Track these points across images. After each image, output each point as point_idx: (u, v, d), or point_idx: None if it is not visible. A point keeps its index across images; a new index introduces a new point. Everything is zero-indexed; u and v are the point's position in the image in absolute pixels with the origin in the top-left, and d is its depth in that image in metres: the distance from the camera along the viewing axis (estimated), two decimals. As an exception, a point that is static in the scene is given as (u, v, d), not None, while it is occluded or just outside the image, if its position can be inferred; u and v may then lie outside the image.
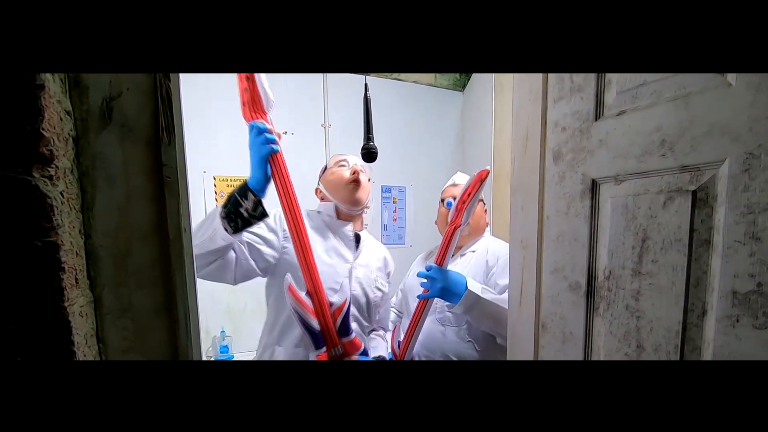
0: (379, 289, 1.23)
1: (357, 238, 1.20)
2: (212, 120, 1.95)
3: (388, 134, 2.35)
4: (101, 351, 0.44)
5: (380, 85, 2.29)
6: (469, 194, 1.08)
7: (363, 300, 1.17)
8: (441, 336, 1.23)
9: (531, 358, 0.70)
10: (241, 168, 2.00)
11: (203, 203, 1.97)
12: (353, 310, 1.13)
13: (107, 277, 0.44)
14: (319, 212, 1.20)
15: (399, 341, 1.26)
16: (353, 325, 1.09)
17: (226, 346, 1.94)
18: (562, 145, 0.63)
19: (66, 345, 0.36)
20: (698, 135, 0.46)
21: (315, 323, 0.98)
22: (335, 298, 1.02)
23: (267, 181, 0.91)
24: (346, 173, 1.13)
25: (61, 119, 0.38)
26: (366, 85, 0.96)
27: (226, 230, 0.89)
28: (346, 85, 2.19)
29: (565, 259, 0.63)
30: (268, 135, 0.89)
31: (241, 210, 0.90)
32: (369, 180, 1.20)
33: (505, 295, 1.12)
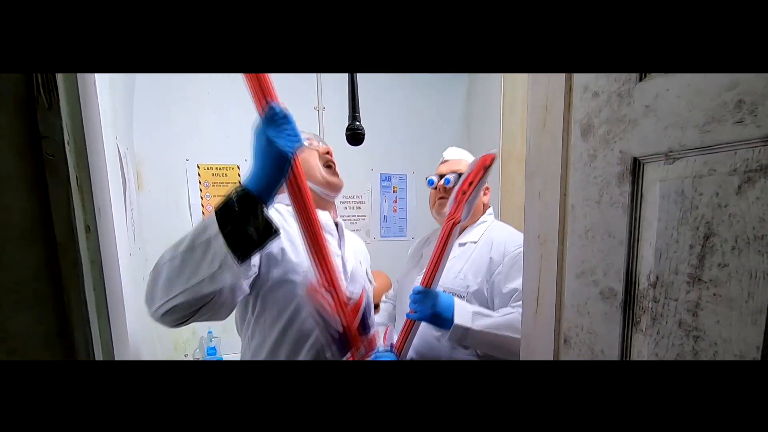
0: (372, 282, 1.09)
1: (338, 228, 1.02)
2: (194, 103, 1.82)
3: (388, 118, 2.20)
4: (-39, 397, 0.32)
5: (379, 66, 2.13)
6: (470, 183, 0.91)
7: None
8: (436, 342, 1.10)
9: (550, 378, 0.58)
10: (227, 156, 1.89)
11: (186, 195, 1.84)
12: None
13: (-33, 296, 0.31)
14: (288, 205, 0.98)
15: (392, 343, 1.14)
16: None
17: (214, 348, 1.83)
18: (594, 116, 0.49)
19: None
20: (795, 91, 0.33)
21: (338, 325, 0.85)
22: (348, 292, 0.88)
23: (279, 187, 0.68)
24: (315, 154, 0.96)
25: None
26: None
27: (235, 261, 0.64)
28: (342, 66, 2.02)
29: (595, 260, 0.50)
30: (293, 126, 0.69)
31: (250, 231, 0.63)
32: None
33: (509, 314, 0.96)
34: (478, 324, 0.92)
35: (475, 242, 1.14)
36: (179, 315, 0.65)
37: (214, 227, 0.62)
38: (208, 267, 0.61)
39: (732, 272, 0.38)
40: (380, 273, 1.94)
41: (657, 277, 0.44)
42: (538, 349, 0.60)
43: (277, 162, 0.66)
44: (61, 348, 0.34)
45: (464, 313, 0.94)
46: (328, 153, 0.97)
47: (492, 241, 1.11)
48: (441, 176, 1.19)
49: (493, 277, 1.06)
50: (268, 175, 0.66)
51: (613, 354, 0.49)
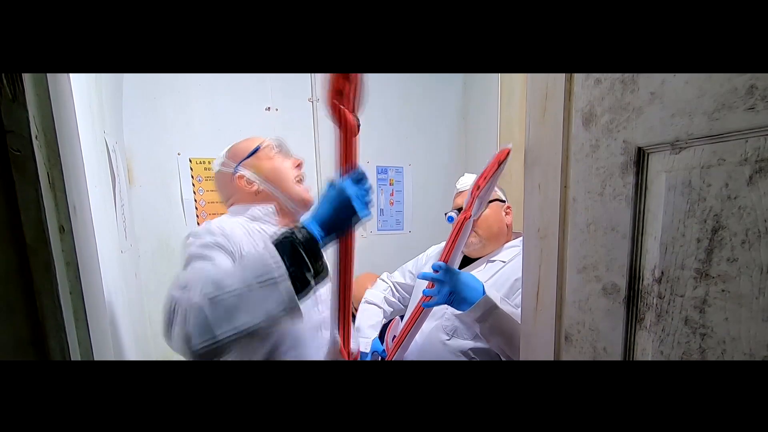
0: None
1: None
2: (185, 96, 1.77)
3: (384, 109, 2.16)
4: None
5: (374, 56, 2.09)
6: (484, 178, 0.89)
7: None
8: (442, 346, 1.09)
9: (550, 375, 0.57)
10: (219, 149, 1.77)
11: (179, 190, 1.81)
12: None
13: (-71, 303, 0.29)
14: (254, 219, 0.90)
15: (395, 336, 1.13)
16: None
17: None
18: (596, 104, 0.47)
19: None
20: (811, 75, 0.31)
21: None
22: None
23: (332, 241, 0.69)
24: (287, 163, 0.92)
25: None
26: None
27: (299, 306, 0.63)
28: (337, 57, 1.98)
29: (598, 254, 0.49)
30: (369, 197, 0.70)
31: (307, 276, 0.63)
32: None
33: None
34: (506, 307, 0.91)
35: (504, 262, 1.15)
36: (225, 351, 0.61)
37: (281, 269, 0.60)
38: (273, 309, 0.60)
39: (742, 267, 0.36)
40: (369, 275, 1.85)
41: (662, 273, 0.42)
42: (539, 347, 0.58)
43: (347, 219, 0.67)
44: (34, 357, 0.32)
45: (494, 294, 0.93)
46: (299, 166, 0.93)
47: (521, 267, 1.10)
48: (459, 210, 1.18)
49: (513, 300, 1.04)
50: (335, 226, 0.67)
51: (616, 351, 0.48)
